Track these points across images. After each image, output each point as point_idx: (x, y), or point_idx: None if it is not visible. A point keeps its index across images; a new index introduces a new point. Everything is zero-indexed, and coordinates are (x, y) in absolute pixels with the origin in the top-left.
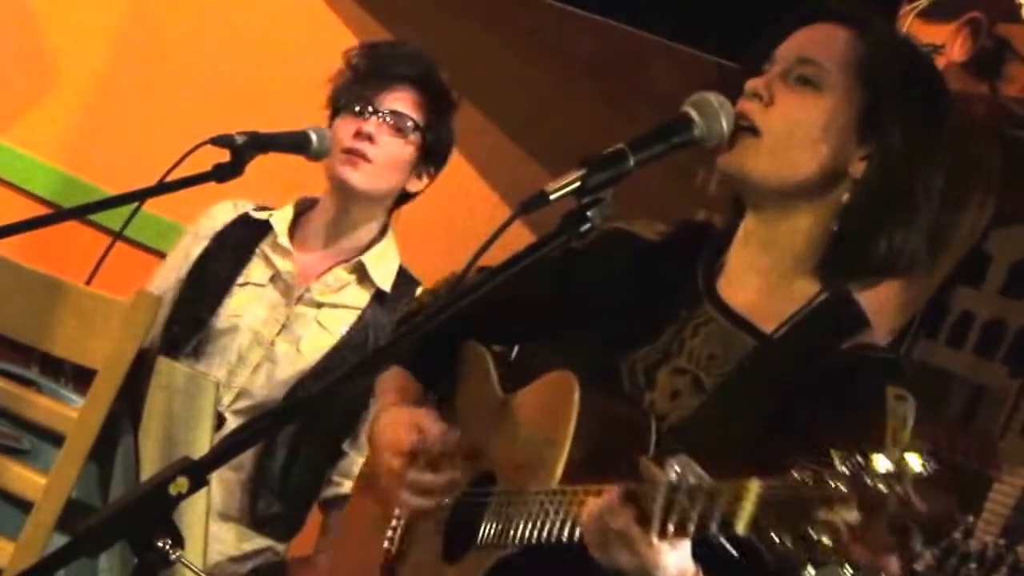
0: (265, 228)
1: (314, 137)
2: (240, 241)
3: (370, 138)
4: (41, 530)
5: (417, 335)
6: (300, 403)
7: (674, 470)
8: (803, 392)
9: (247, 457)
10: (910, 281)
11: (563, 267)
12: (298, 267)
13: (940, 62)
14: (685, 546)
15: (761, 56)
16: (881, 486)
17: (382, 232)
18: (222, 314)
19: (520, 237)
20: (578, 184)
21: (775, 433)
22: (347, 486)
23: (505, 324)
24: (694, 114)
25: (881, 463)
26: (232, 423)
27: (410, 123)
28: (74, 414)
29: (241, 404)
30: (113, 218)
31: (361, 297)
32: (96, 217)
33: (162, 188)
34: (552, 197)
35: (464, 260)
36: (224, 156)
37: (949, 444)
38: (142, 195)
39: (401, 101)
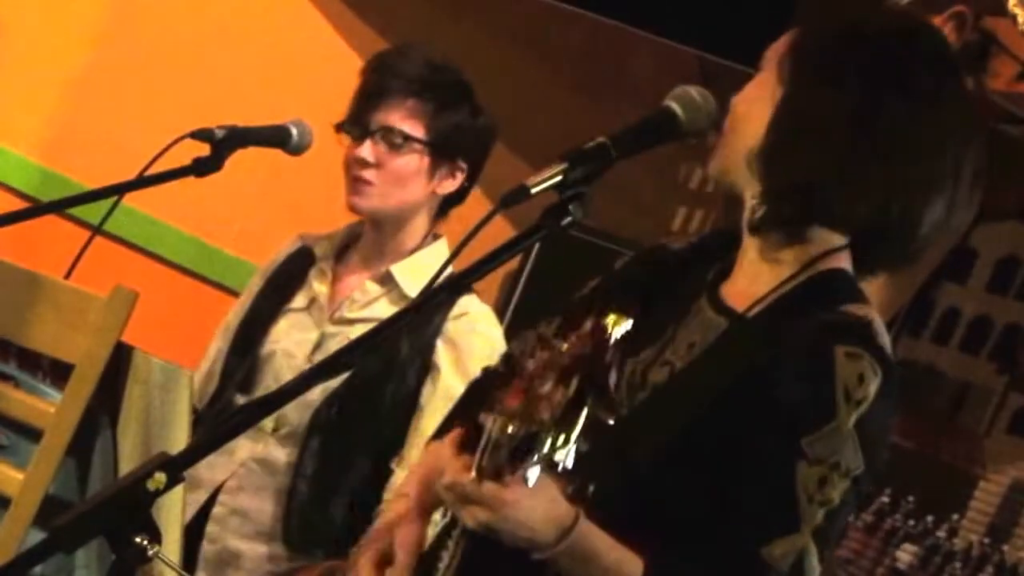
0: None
1: (294, 131)
2: (294, 271)
3: (365, 163)
4: (18, 526)
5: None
6: (272, 399)
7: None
8: (761, 366)
9: (283, 489)
10: (894, 278)
11: (603, 290)
12: (335, 289)
13: None
14: (549, 491)
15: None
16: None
17: (425, 240)
18: (266, 343)
19: (503, 231)
20: (560, 178)
21: (728, 410)
22: None
23: None
24: (676, 108)
25: None
26: (276, 452)
27: (400, 138)
28: (52, 409)
29: (283, 431)
30: (92, 212)
31: (393, 311)
32: (75, 211)
33: (141, 182)
34: (533, 191)
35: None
36: (204, 150)
37: (934, 442)
38: (121, 189)
39: (392, 115)
